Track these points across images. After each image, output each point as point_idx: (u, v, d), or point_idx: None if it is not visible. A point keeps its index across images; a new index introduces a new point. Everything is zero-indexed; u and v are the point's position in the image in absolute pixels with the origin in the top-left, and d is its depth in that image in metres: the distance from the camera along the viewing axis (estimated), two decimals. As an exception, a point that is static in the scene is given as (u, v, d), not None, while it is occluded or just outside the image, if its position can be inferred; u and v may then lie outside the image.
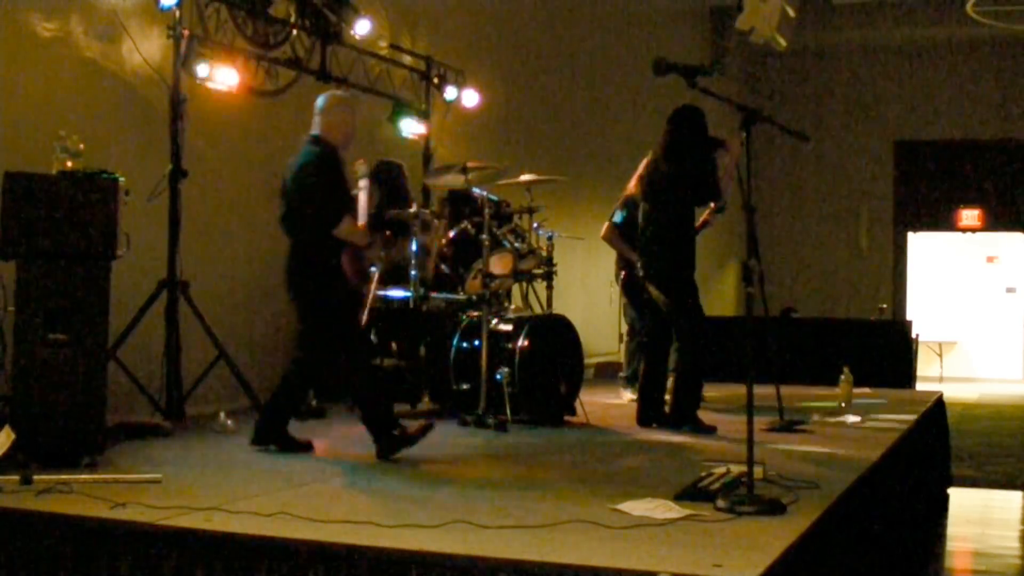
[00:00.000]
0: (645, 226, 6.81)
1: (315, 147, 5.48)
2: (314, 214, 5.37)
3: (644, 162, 8.20)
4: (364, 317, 6.35)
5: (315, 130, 5.54)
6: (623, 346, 8.75)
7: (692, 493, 4.22)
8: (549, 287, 7.65)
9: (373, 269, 6.82)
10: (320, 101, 5.59)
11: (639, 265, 6.89)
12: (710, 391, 6.78)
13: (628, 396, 8.42)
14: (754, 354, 4.17)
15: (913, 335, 11.70)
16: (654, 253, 6.72)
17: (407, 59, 9.11)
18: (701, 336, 6.62)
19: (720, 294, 16.49)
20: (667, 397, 6.79)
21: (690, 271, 6.63)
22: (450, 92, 9.23)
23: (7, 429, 4.53)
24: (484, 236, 6.83)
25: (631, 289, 8.11)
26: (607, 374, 10.16)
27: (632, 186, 8.21)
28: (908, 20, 17.03)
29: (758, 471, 4.23)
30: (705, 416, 6.58)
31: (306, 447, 5.45)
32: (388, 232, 7.00)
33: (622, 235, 8.10)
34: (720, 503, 3.99)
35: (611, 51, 13.43)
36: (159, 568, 3.52)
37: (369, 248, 5.61)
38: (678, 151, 6.60)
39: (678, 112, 6.69)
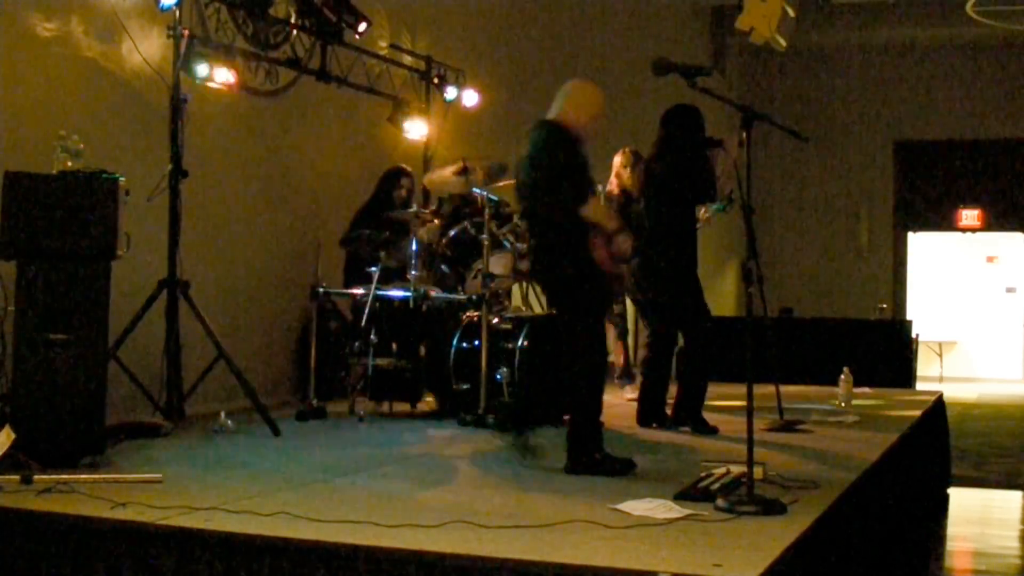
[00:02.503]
0: (646, 226, 6.82)
1: (542, 130, 5.22)
2: (557, 197, 5.08)
3: (618, 159, 8.27)
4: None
5: (549, 114, 5.30)
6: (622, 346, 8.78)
7: (692, 493, 4.22)
8: (549, 287, 7.64)
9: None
10: (564, 87, 5.36)
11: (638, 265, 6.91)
12: (710, 391, 6.77)
13: (621, 394, 8.44)
14: (754, 354, 4.17)
15: (913, 335, 11.70)
16: (651, 253, 6.72)
17: (407, 59, 9.11)
18: (704, 336, 6.61)
19: (720, 294, 16.48)
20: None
21: (691, 270, 6.62)
22: (450, 92, 9.23)
23: (7, 429, 4.52)
24: (484, 236, 6.83)
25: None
26: (607, 374, 10.15)
27: (611, 185, 8.25)
28: (908, 20, 17.03)
29: (758, 471, 4.23)
30: (705, 416, 6.58)
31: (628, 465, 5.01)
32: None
33: None
34: (720, 503, 3.99)
35: (611, 51, 13.43)
36: (159, 568, 3.51)
37: (619, 234, 5.23)
38: (672, 151, 6.60)
39: (671, 111, 6.70)
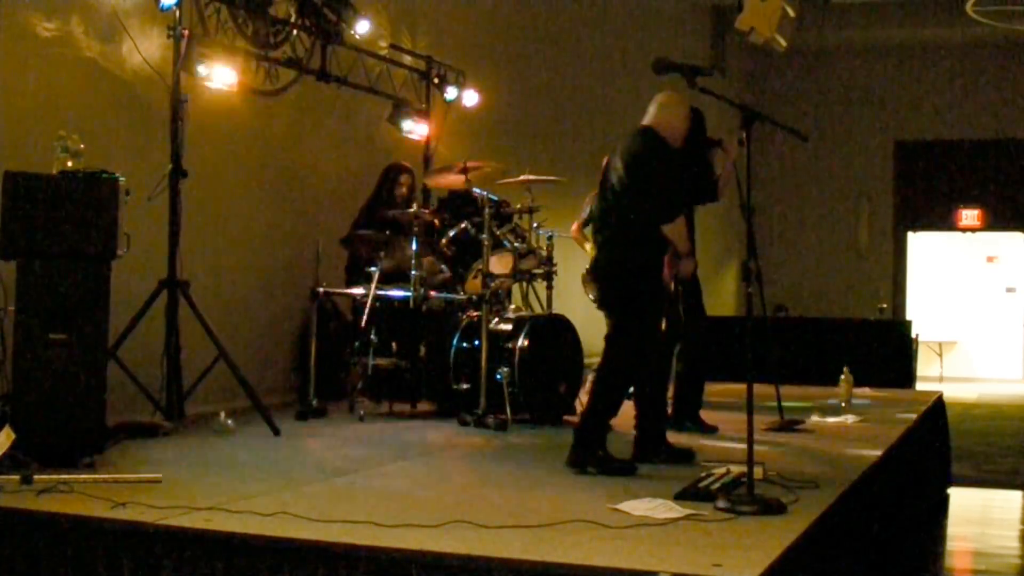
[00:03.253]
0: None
1: (647, 138, 5.23)
2: (647, 207, 5.09)
3: (606, 161, 8.34)
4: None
5: (647, 120, 5.31)
6: None
7: (692, 493, 4.23)
8: (549, 287, 7.65)
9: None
10: (659, 96, 5.35)
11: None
12: (710, 391, 6.77)
13: None
14: (754, 354, 4.17)
15: (913, 335, 11.70)
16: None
17: (407, 59, 9.11)
18: (702, 336, 6.62)
19: (720, 294, 16.48)
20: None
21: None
22: (450, 92, 9.23)
23: (7, 429, 4.52)
24: (484, 236, 6.83)
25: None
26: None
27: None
28: (908, 20, 17.03)
29: (758, 471, 4.24)
30: (705, 416, 6.58)
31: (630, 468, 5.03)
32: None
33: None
34: (720, 503, 3.99)
35: (611, 51, 13.43)
36: (159, 568, 3.52)
37: (688, 257, 5.33)
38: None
39: None
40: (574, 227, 8.53)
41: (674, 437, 6.28)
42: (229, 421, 6.09)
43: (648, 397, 5.41)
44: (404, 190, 7.80)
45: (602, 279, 5.39)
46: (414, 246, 7.02)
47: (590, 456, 4.97)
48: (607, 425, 5.17)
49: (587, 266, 8.59)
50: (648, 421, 5.37)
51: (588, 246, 8.47)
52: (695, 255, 5.57)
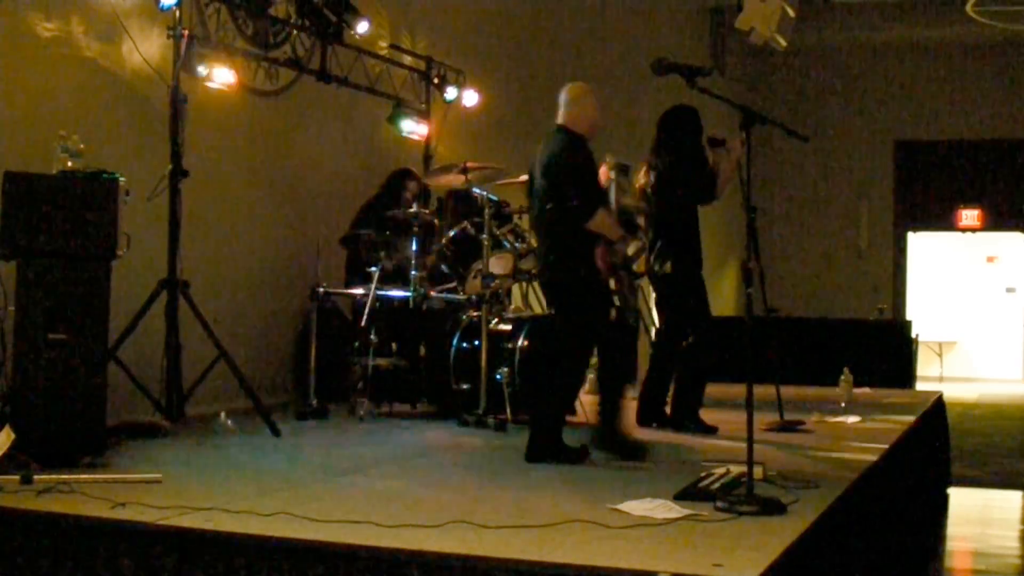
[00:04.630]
0: (648, 228, 6.82)
1: (561, 136, 5.39)
2: (568, 203, 5.26)
3: (603, 172, 8.44)
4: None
5: (560, 120, 5.45)
6: None
7: (692, 493, 4.22)
8: (549, 287, 7.64)
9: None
10: (565, 92, 5.51)
11: (642, 263, 6.94)
12: (710, 391, 6.77)
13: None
14: (754, 354, 4.17)
15: (913, 335, 11.70)
16: (657, 252, 6.72)
17: (407, 59, 9.11)
18: (705, 336, 6.61)
19: (720, 294, 16.47)
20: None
21: (695, 270, 6.62)
22: (450, 92, 9.23)
23: (7, 429, 4.52)
24: (484, 236, 6.83)
25: None
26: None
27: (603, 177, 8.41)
28: (908, 20, 17.03)
29: (758, 471, 4.24)
30: (705, 416, 6.58)
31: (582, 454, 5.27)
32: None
33: None
34: (720, 503, 3.99)
35: (611, 51, 13.42)
36: (159, 568, 3.52)
37: (621, 242, 5.49)
38: (671, 152, 6.60)
39: (669, 113, 6.71)
40: None
41: (674, 437, 6.30)
42: (229, 421, 6.09)
43: (608, 388, 5.51)
44: (409, 195, 7.81)
45: (545, 284, 5.57)
46: (414, 246, 7.03)
47: (545, 449, 5.16)
48: (560, 418, 5.35)
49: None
50: (605, 411, 5.47)
51: None
52: (630, 237, 5.67)
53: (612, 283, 5.60)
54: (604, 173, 8.40)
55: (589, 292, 5.34)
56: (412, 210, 7.08)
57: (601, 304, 5.43)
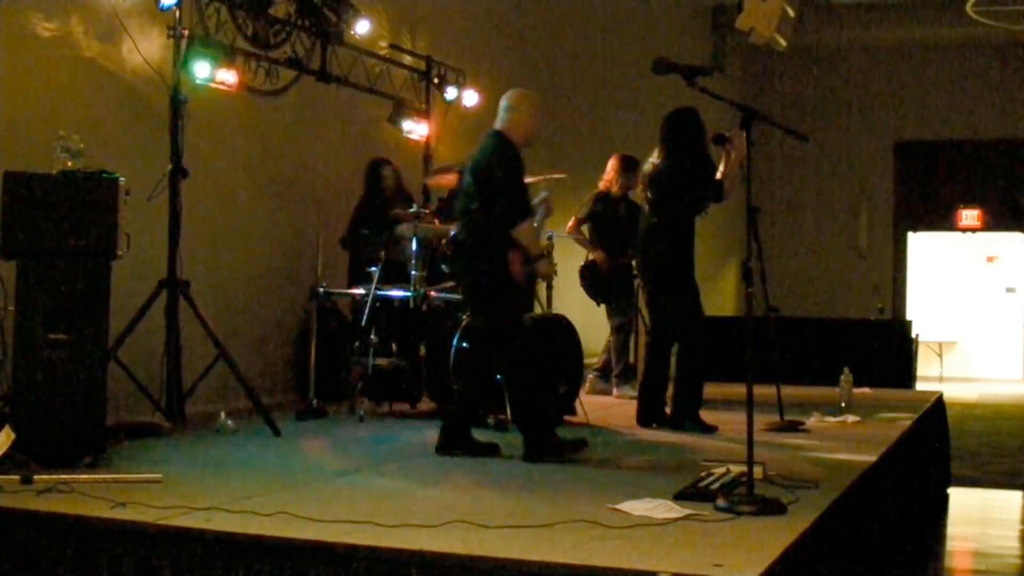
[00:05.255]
0: (644, 228, 6.83)
1: (498, 141, 5.43)
2: (497, 210, 5.31)
3: (612, 163, 8.54)
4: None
5: (498, 125, 5.50)
6: (607, 342, 8.81)
7: (692, 493, 4.22)
8: (549, 287, 7.65)
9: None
10: (506, 98, 5.55)
11: (636, 266, 6.98)
12: (710, 391, 6.77)
13: (617, 392, 8.45)
14: (754, 354, 4.17)
15: (913, 335, 11.70)
16: (648, 253, 6.73)
17: (407, 59, 9.11)
18: (701, 336, 6.62)
19: (720, 294, 16.49)
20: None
21: (688, 271, 6.62)
22: (450, 92, 9.23)
23: (7, 429, 4.53)
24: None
25: (590, 280, 8.55)
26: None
27: (604, 183, 8.52)
28: (908, 20, 17.02)
29: (758, 471, 4.24)
30: (705, 416, 6.58)
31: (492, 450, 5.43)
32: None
33: (593, 230, 8.59)
34: (720, 503, 3.99)
35: (611, 51, 13.43)
36: (159, 568, 3.52)
37: (539, 260, 5.53)
38: (675, 154, 6.60)
39: (671, 117, 6.72)
40: (570, 224, 8.62)
41: (674, 437, 6.30)
42: (229, 421, 6.09)
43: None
44: (390, 182, 7.85)
45: (461, 285, 5.65)
46: (414, 246, 7.03)
47: (547, 447, 5.26)
48: (548, 413, 5.53)
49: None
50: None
51: (585, 243, 8.59)
52: (549, 257, 5.83)
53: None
54: (611, 167, 8.60)
55: (504, 294, 5.39)
56: (413, 210, 7.08)
57: (516, 305, 5.52)
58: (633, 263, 8.22)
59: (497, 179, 5.32)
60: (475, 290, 5.50)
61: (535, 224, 5.84)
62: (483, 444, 5.46)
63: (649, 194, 6.77)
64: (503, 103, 5.54)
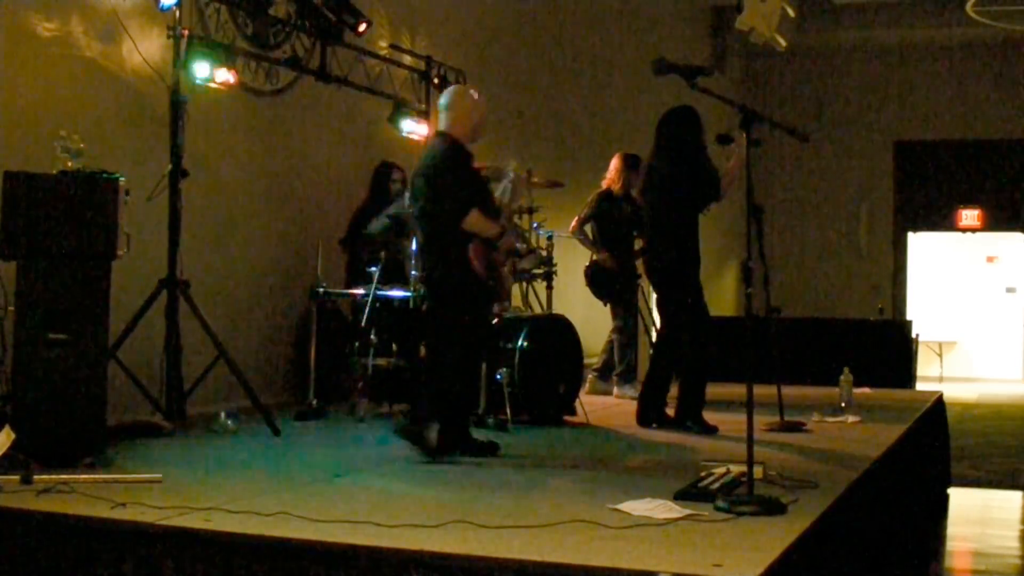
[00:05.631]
0: (649, 228, 6.84)
1: (438, 141, 5.54)
2: (441, 209, 5.41)
3: (614, 162, 8.54)
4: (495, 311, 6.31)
5: (441, 126, 5.59)
6: (607, 342, 8.81)
7: (692, 493, 4.22)
8: (549, 287, 7.65)
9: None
10: (444, 97, 5.65)
11: (643, 265, 6.99)
12: (710, 391, 6.77)
13: (617, 392, 8.45)
14: (754, 354, 4.17)
15: (913, 335, 11.70)
16: (654, 253, 6.73)
17: (407, 59, 9.11)
18: (704, 337, 6.61)
19: (720, 294, 16.49)
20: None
21: (693, 271, 6.61)
22: (450, 92, 9.21)
23: (7, 429, 4.52)
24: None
25: (595, 280, 8.49)
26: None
27: (607, 182, 8.53)
28: (908, 20, 17.02)
29: (758, 471, 4.23)
30: (706, 416, 6.57)
31: (492, 448, 5.45)
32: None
33: (597, 230, 8.55)
34: (720, 503, 3.99)
35: (611, 51, 13.43)
36: (159, 568, 3.52)
37: (501, 238, 5.58)
38: (671, 152, 6.60)
39: (669, 113, 6.71)
40: (573, 223, 8.62)
41: (674, 437, 6.30)
42: (229, 421, 6.09)
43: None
44: (399, 185, 7.84)
45: (425, 283, 5.72)
46: (414, 246, 7.02)
47: (456, 443, 5.33)
48: (467, 412, 5.60)
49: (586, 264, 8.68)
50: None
51: (588, 243, 8.60)
52: (513, 233, 5.87)
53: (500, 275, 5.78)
54: (614, 166, 8.62)
55: (465, 291, 5.45)
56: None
57: (478, 302, 5.55)
58: (638, 263, 8.25)
59: (443, 178, 5.42)
60: (436, 290, 5.58)
61: (503, 198, 5.85)
62: (483, 443, 5.46)
63: (645, 193, 6.78)
64: (441, 102, 5.65)
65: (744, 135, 4.49)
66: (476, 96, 5.67)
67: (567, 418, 6.98)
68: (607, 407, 7.84)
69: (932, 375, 17.53)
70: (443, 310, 5.54)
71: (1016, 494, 8.15)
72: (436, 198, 5.43)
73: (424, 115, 9.09)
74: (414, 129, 8.93)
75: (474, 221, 5.40)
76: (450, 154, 5.47)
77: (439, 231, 5.46)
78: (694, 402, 6.57)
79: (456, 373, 5.46)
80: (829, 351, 10.42)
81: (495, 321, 6.87)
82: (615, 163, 8.67)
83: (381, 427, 6.55)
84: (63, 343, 4.78)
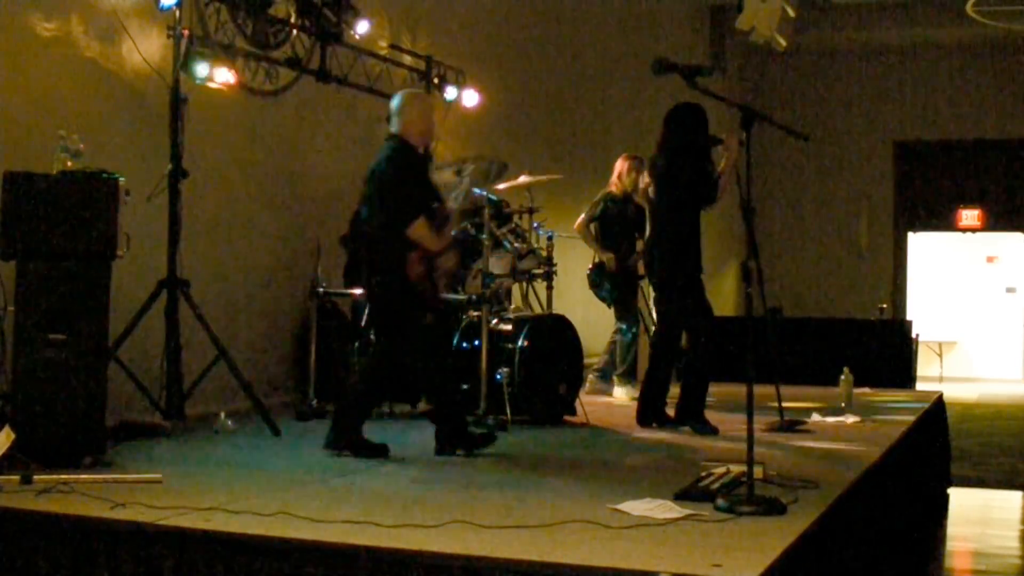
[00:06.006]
0: (650, 227, 6.84)
1: (390, 144, 5.56)
2: (389, 213, 5.40)
3: (620, 164, 8.56)
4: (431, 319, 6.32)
5: (392, 129, 5.60)
6: (609, 343, 8.81)
7: (692, 493, 4.22)
8: (549, 287, 7.65)
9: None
10: (395, 100, 5.66)
11: (644, 264, 7.00)
12: (710, 391, 6.77)
13: (617, 393, 8.45)
14: (754, 354, 4.17)
15: (913, 335, 11.70)
16: (656, 253, 6.73)
17: (407, 59, 9.11)
18: (705, 336, 6.61)
19: (720, 294, 16.49)
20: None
21: (693, 270, 6.61)
22: (450, 92, 9.23)
23: (7, 429, 4.52)
24: (484, 236, 6.83)
25: (595, 281, 8.55)
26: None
27: (612, 186, 8.55)
28: (908, 20, 17.02)
29: (758, 471, 4.23)
30: (706, 416, 6.57)
31: (381, 450, 5.40)
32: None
33: (601, 230, 8.55)
34: (720, 503, 3.99)
35: (611, 51, 13.42)
36: (159, 568, 3.52)
37: (441, 255, 5.57)
38: (674, 150, 6.60)
39: (674, 111, 6.70)
40: (579, 222, 8.59)
41: (674, 437, 6.30)
42: (229, 421, 6.09)
43: (437, 395, 5.60)
44: None
45: (364, 287, 5.74)
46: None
47: (345, 440, 5.32)
48: (364, 414, 5.52)
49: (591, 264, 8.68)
50: (441, 418, 5.54)
51: (592, 243, 8.58)
52: (455, 251, 5.79)
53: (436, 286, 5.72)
54: (620, 167, 8.64)
55: (403, 297, 5.44)
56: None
57: (414, 309, 5.50)
58: (639, 264, 8.25)
59: (392, 183, 5.43)
60: (374, 295, 5.61)
61: (454, 202, 5.87)
62: (371, 445, 5.39)
63: (651, 189, 6.78)
64: (392, 106, 5.66)
65: (743, 134, 4.49)
66: (427, 100, 5.74)
67: (567, 418, 6.98)
68: (607, 407, 7.84)
69: (932, 375, 17.53)
70: (381, 315, 5.60)
71: (1016, 494, 8.15)
72: (384, 202, 5.43)
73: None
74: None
75: (419, 231, 5.38)
76: (399, 158, 5.48)
77: (384, 235, 5.44)
78: (694, 402, 6.57)
79: (381, 371, 5.52)
80: (829, 351, 10.43)
81: (495, 322, 6.88)
82: (621, 164, 8.64)
83: (381, 427, 6.55)
84: (63, 343, 4.78)
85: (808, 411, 7.24)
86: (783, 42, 11.66)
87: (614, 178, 8.64)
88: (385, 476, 4.89)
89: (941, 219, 18.74)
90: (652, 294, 7.14)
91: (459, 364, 6.88)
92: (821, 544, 3.81)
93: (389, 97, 8.58)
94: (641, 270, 7.97)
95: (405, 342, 5.47)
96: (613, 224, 8.53)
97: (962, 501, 7.91)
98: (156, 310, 6.15)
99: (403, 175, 5.44)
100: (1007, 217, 18.36)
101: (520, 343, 6.76)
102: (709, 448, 5.78)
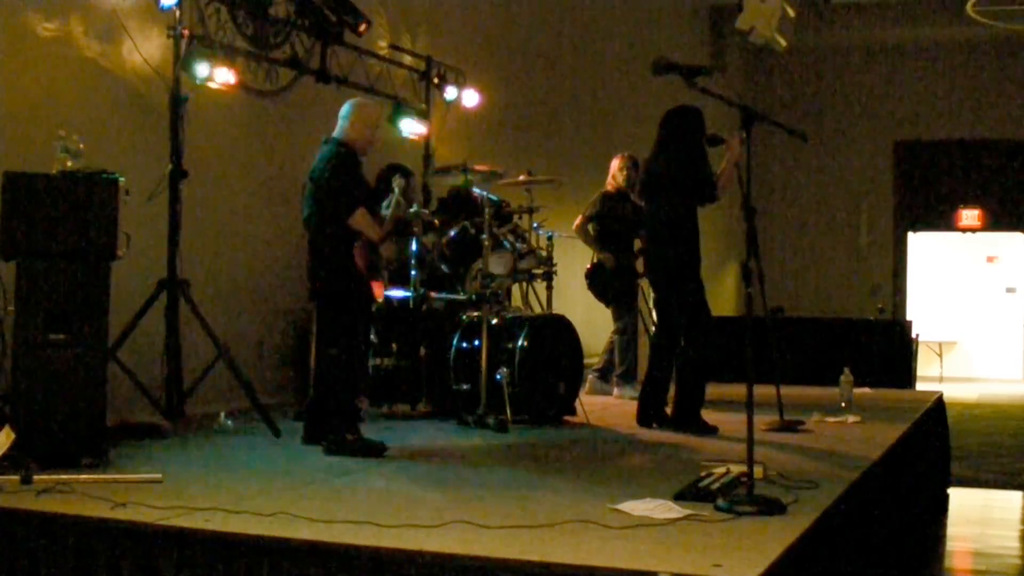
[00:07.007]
0: (649, 227, 6.84)
1: (331, 147, 5.74)
2: (330, 208, 5.60)
3: (615, 163, 8.57)
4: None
5: (335, 133, 5.80)
6: (608, 343, 8.81)
7: (692, 493, 4.22)
8: (549, 287, 7.65)
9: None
10: (345, 107, 5.85)
11: (642, 264, 7.00)
12: (710, 391, 6.77)
13: (617, 393, 8.45)
14: (754, 354, 4.17)
15: (913, 335, 11.70)
16: (654, 253, 6.73)
17: (407, 59, 9.11)
18: (704, 336, 6.61)
19: (720, 294, 16.48)
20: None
21: (692, 270, 6.60)
22: (450, 92, 9.23)
23: (7, 429, 4.53)
24: (484, 236, 6.83)
25: (594, 281, 8.54)
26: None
27: (608, 185, 8.55)
28: (908, 20, 17.02)
29: (758, 471, 4.23)
30: (705, 416, 6.57)
31: (378, 449, 5.43)
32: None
33: (599, 230, 8.57)
34: (720, 503, 3.99)
35: (611, 51, 13.43)
36: (159, 568, 3.52)
37: (382, 243, 5.81)
38: (671, 150, 6.60)
39: (671, 112, 6.71)
40: (577, 221, 8.61)
41: (674, 437, 6.30)
42: (229, 421, 6.09)
43: (331, 384, 5.72)
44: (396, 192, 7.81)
45: (312, 282, 5.83)
46: (414, 246, 7.03)
47: (343, 441, 5.38)
48: (355, 409, 5.69)
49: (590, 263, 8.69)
50: (319, 407, 5.71)
51: (591, 242, 8.60)
52: (393, 240, 6.12)
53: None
54: (615, 166, 8.68)
55: (348, 292, 5.65)
56: (413, 210, 7.07)
57: (360, 302, 5.77)
58: (638, 263, 8.26)
59: (333, 181, 5.61)
60: (322, 287, 5.70)
61: (384, 209, 6.06)
62: (371, 444, 5.43)
63: (644, 191, 6.79)
64: (341, 112, 5.85)
65: (743, 134, 4.49)
66: (375, 110, 5.97)
67: (567, 418, 6.98)
68: (607, 407, 7.84)
69: (932, 375, 17.53)
70: (327, 310, 5.73)
71: (1016, 494, 8.15)
72: (324, 200, 5.61)
73: (424, 115, 9.10)
74: (414, 129, 8.94)
75: (360, 219, 5.62)
76: (339, 159, 5.67)
77: (327, 233, 5.62)
78: (694, 402, 6.57)
79: (340, 370, 5.61)
80: (829, 351, 10.42)
81: (495, 322, 6.88)
82: (617, 163, 8.68)
83: (381, 427, 6.55)
84: (63, 343, 4.78)
85: (808, 411, 7.23)
86: (783, 42, 11.64)
87: (608, 177, 8.67)
88: (385, 476, 4.88)
89: (941, 219, 18.75)
90: (652, 294, 7.14)
91: (459, 364, 6.90)
92: (821, 544, 3.82)
93: (389, 97, 8.68)
94: (641, 269, 7.97)
95: (349, 337, 5.64)
96: (609, 223, 8.53)
97: (962, 501, 7.91)
98: (156, 310, 6.15)
99: (341, 173, 5.64)
100: (1007, 217, 18.36)
101: (520, 343, 6.76)
102: (709, 448, 5.78)
